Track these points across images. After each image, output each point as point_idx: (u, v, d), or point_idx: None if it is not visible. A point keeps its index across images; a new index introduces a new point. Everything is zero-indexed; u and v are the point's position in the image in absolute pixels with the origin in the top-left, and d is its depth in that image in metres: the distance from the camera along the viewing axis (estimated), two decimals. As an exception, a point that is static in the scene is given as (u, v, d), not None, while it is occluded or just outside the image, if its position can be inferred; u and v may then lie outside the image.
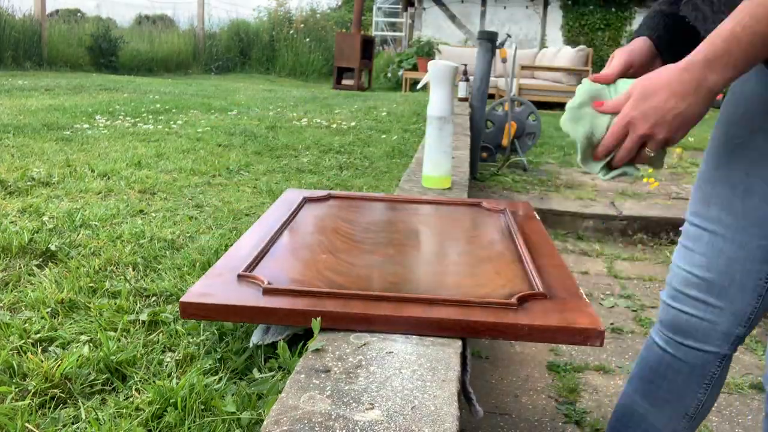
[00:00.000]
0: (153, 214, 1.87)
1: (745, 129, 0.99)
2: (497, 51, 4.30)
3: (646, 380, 1.18)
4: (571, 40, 11.59)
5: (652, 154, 0.91)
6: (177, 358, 0.99)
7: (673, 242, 3.56)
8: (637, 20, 11.27)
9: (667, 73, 0.87)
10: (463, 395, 0.84)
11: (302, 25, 13.08)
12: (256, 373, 0.91)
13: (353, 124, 4.37)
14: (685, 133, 0.90)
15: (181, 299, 0.89)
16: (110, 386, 0.92)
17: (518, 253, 1.12)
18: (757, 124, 0.96)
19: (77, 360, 0.95)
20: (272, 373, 0.90)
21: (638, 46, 1.03)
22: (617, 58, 1.01)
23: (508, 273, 1.02)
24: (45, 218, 1.72)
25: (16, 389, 0.89)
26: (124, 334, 1.08)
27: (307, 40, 12.71)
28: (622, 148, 0.91)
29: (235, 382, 0.91)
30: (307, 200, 1.46)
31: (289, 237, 1.18)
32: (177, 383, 0.88)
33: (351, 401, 0.68)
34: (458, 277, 1.03)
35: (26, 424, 0.81)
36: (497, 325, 0.84)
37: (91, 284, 1.29)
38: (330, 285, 0.94)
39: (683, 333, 1.08)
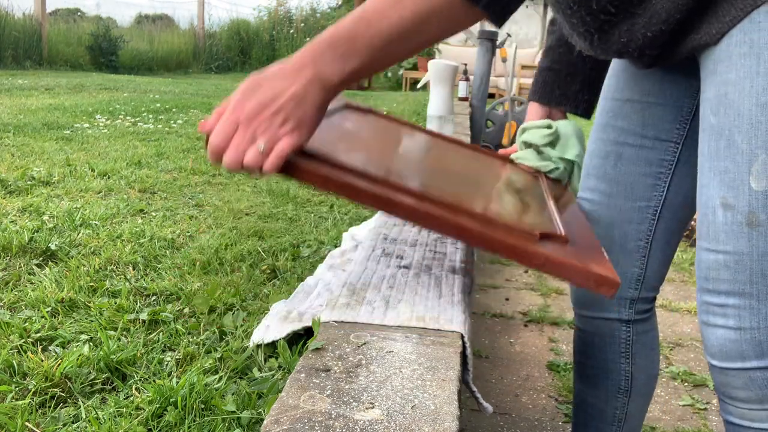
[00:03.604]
0: (153, 214, 1.87)
1: (618, 101, 1.06)
2: (497, 50, 4.30)
3: (577, 363, 1.23)
4: (571, 40, 11.59)
5: None
6: (177, 357, 0.99)
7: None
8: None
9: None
10: (470, 393, 0.84)
11: (302, 25, 13.08)
12: (256, 373, 0.91)
13: (353, 123, 4.36)
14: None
15: None
16: (110, 385, 0.92)
17: (546, 206, 1.10)
18: (627, 95, 1.04)
19: (77, 359, 0.95)
20: (272, 373, 0.90)
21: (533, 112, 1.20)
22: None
23: (534, 216, 1.00)
24: (45, 217, 1.72)
25: (17, 388, 0.89)
26: (124, 333, 1.08)
27: (308, 39, 12.59)
28: None
29: (235, 382, 0.91)
30: (347, 107, 1.40)
31: (326, 126, 1.10)
32: (177, 382, 0.88)
33: (351, 400, 0.68)
34: (485, 203, 1.01)
35: (26, 423, 0.81)
36: (516, 247, 0.82)
37: (91, 283, 1.29)
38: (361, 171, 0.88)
39: (586, 305, 1.13)
